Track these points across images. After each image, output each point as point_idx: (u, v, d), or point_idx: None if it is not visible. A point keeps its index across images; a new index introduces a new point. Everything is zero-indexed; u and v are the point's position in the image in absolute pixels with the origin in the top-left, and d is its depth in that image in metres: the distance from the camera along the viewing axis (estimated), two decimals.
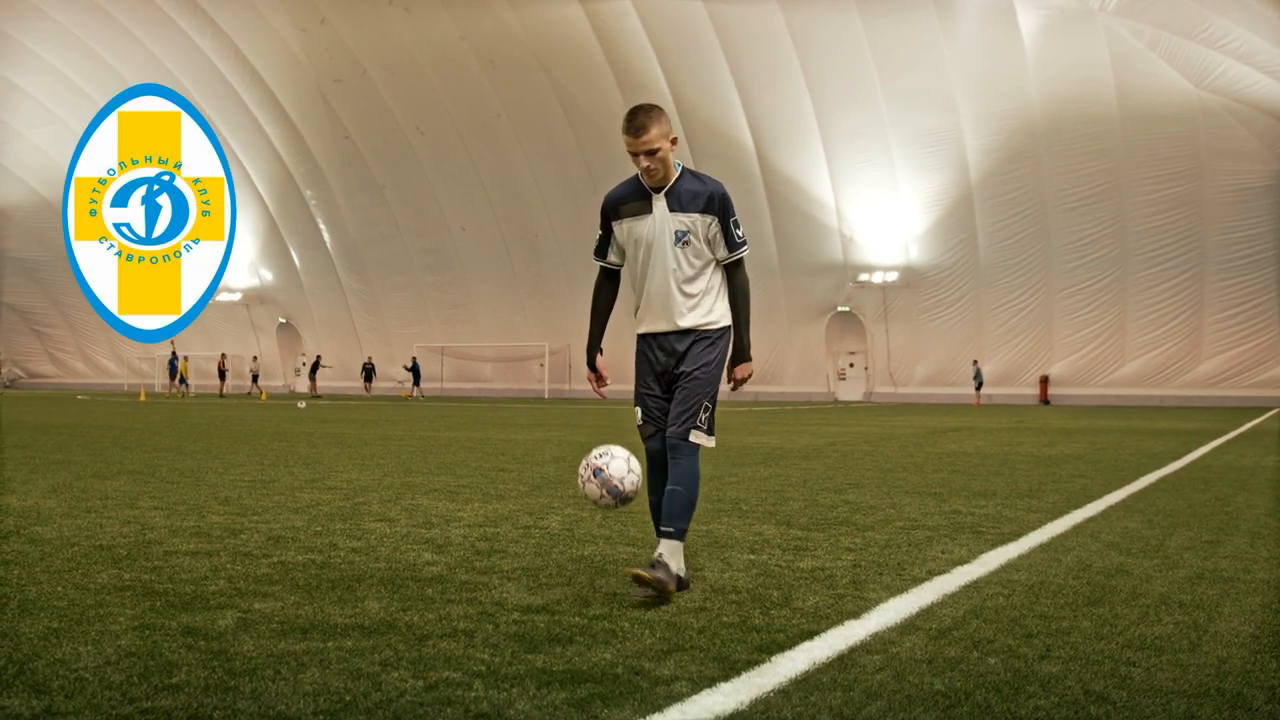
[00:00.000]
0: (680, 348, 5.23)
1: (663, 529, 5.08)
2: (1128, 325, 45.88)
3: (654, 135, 5.06)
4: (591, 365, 5.51)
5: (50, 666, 3.78)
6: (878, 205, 47.44)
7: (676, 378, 5.23)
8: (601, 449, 5.40)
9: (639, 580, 4.88)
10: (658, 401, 5.29)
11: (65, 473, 10.95)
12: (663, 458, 5.24)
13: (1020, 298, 47.21)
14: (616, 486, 5.28)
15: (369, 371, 55.17)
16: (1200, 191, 43.35)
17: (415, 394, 52.36)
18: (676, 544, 5.05)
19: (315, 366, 54.75)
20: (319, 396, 51.68)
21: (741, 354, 5.33)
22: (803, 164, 47.29)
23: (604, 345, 5.62)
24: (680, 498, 5.09)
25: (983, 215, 46.32)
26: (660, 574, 4.89)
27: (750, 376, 5.39)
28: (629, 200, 5.26)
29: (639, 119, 5.08)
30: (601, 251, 5.43)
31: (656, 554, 5.05)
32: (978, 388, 46.72)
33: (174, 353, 53.84)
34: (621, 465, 5.30)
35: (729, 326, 5.31)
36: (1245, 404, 41.56)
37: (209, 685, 3.59)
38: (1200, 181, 43.15)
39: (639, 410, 5.34)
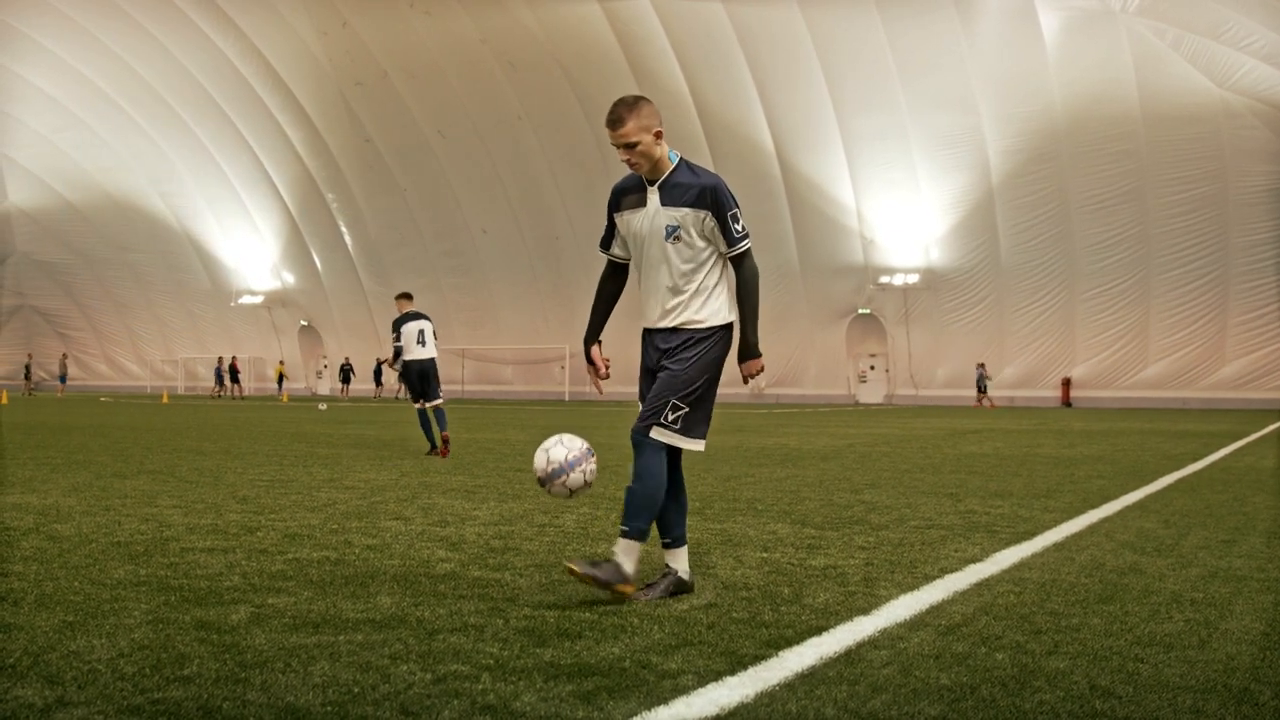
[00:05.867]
0: (667, 346, 5.10)
1: (621, 526, 4.97)
2: (1151, 327, 45.62)
3: (630, 129, 4.96)
4: (587, 354, 5.39)
5: (64, 658, 3.83)
6: (898, 207, 47.32)
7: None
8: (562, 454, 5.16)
9: (571, 574, 4.85)
10: (649, 388, 5.17)
11: (86, 472, 11.04)
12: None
13: (1042, 300, 47.00)
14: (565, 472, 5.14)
15: (347, 373, 55.29)
16: (1224, 193, 43.07)
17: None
18: (631, 543, 4.90)
19: (378, 370, 54.44)
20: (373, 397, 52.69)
21: (747, 350, 5.14)
22: (823, 166, 47.22)
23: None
24: (636, 495, 4.94)
25: (1004, 217, 46.14)
26: (599, 572, 4.81)
27: (760, 372, 5.18)
28: (629, 192, 5.20)
29: (616, 111, 5.00)
30: (605, 243, 5.36)
31: (611, 551, 5.01)
32: (982, 390, 46.59)
33: (222, 359, 55.68)
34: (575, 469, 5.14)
35: (723, 326, 5.11)
36: (1270, 406, 41.27)
37: (220, 677, 3.63)
38: (1224, 183, 42.88)
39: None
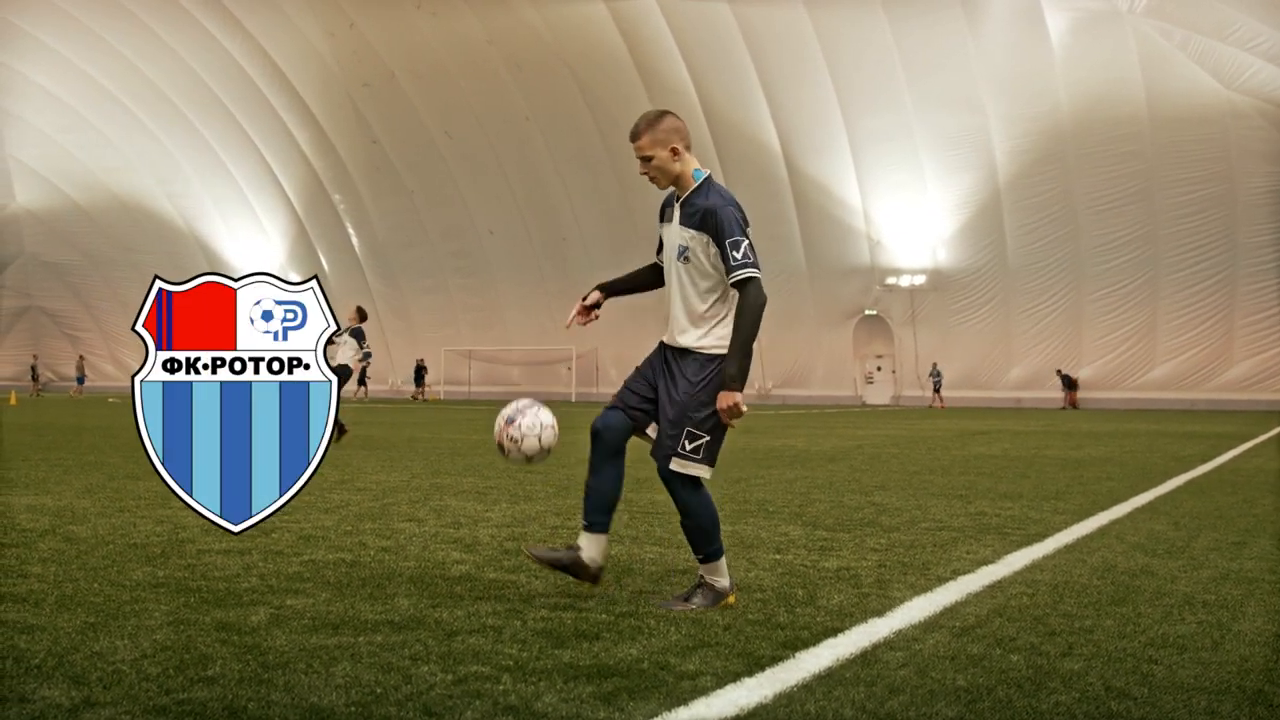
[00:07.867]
0: (674, 366, 4.99)
1: (696, 556, 4.96)
2: (1158, 328, 45.60)
3: (644, 142, 4.97)
4: (588, 294, 5.29)
5: (88, 659, 3.87)
6: (905, 208, 47.32)
7: (662, 401, 4.99)
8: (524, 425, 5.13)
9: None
10: (637, 383, 5.07)
11: (99, 474, 11.07)
12: (604, 435, 5.00)
13: (1049, 301, 46.99)
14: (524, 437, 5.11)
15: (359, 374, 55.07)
16: (1231, 193, 43.05)
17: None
18: (715, 564, 4.91)
19: (419, 371, 54.96)
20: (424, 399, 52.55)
21: (726, 380, 4.81)
22: (829, 167, 47.23)
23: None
24: (691, 529, 4.93)
25: (1011, 218, 46.13)
26: (675, 604, 4.83)
27: (732, 408, 4.79)
28: (668, 204, 5.16)
29: (636, 124, 5.03)
30: (658, 248, 5.27)
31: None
32: (935, 390, 46.77)
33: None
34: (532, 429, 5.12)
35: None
36: (1277, 408, 41.14)
37: (243, 678, 3.67)
38: (1231, 183, 42.86)
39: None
